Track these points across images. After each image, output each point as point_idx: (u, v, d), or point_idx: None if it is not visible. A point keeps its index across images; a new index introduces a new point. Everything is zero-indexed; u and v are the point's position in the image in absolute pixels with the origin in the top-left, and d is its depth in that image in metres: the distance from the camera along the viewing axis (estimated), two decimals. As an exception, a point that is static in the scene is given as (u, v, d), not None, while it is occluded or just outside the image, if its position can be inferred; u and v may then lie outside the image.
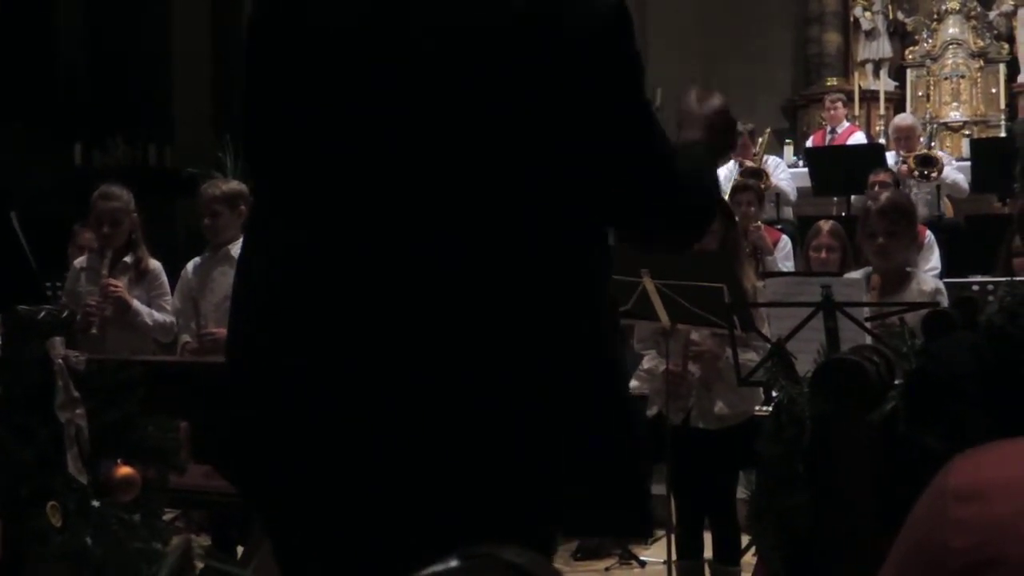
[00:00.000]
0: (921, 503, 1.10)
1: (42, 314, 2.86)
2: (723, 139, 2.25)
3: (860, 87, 12.88)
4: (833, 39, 13.50)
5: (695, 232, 2.12)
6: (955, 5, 13.07)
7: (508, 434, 1.79)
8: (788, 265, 7.90)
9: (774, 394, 3.32)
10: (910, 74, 13.29)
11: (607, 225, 2.01)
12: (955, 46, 13.02)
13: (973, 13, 13.08)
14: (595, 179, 1.87)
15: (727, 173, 9.80)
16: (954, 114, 12.91)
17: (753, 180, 8.61)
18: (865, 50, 13.36)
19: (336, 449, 1.81)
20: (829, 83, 13.09)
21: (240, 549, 4.64)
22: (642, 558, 6.02)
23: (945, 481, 1.08)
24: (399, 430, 1.77)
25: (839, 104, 11.35)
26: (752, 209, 7.77)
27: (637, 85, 1.92)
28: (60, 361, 2.83)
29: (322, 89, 1.89)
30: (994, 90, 12.92)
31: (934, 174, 9.46)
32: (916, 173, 9.41)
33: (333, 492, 1.84)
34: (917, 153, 9.67)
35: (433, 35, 1.83)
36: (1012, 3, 13.00)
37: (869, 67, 13.29)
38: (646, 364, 4.89)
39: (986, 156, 9.83)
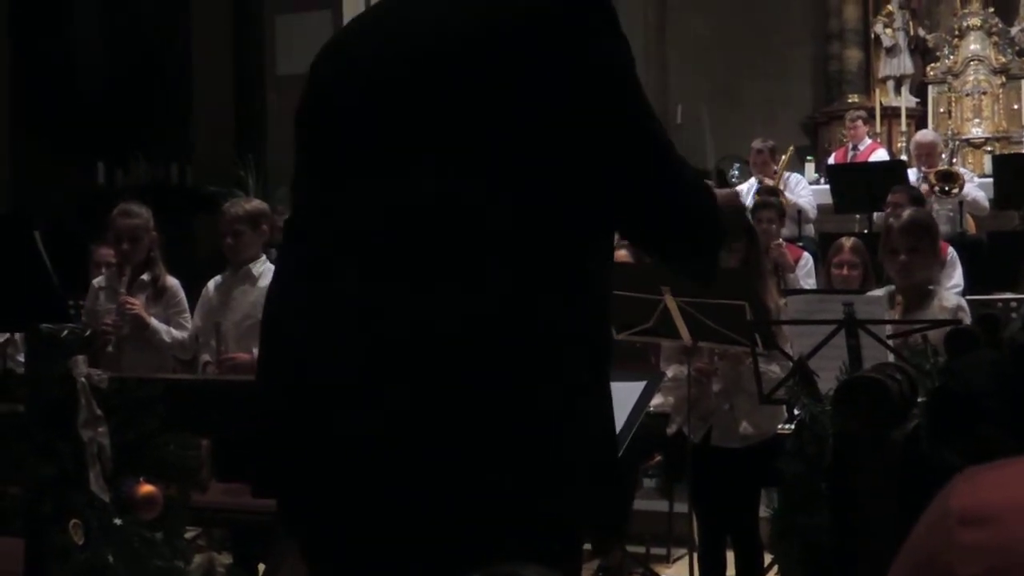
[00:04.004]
0: (921, 525, 1.09)
1: (65, 332, 2.87)
2: (732, 219, 2.27)
3: (881, 104, 12.85)
4: (854, 56, 13.48)
5: (705, 239, 2.09)
6: (976, 21, 13.04)
7: (527, 449, 1.79)
8: (810, 282, 7.88)
9: (796, 412, 3.32)
10: (931, 91, 13.25)
11: (613, 229, 2.02)
12: (976, 62, 12.99)
13: (995, 29, 13.05)
14: (596, 185, 1.88)
15: (747, 188, 9.81)
16: (976, 130, 12.86)
17: (774, 198, 8.61)
18: (886, 67, 13.33)
19: (361, 468, 1.82)
20: (850, 100, 13.06)
21: (262, 567, 4.65)
22: (664, 576, 6.00)
23: (947, 504, 1.07)
24: (424, 448, 1.78)
25: (859, 123, 11.31)
26: (774, 226, 7.76)
27: (628, 84, 1.92)
28: (83, 379, 2.84)
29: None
30: (1016, 106, 12.88)
31: (955, 190, 9.43)
32: (937, 189, 9.38)
33: (360, 509, 1.85)
34: (938, 169, 9.65)
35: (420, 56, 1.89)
36: (1034, 19, 12.98)
37: (890, 84, 13.26)
38: (671, 373, 4.88)
39: (1008, 172, 9.78)
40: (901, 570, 1.09)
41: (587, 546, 5.57)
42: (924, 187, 9.34)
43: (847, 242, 6.22)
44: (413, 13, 1.97)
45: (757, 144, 10.00)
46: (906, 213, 4.96)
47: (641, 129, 1.93)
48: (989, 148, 12.56)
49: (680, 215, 1.99)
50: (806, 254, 8.29)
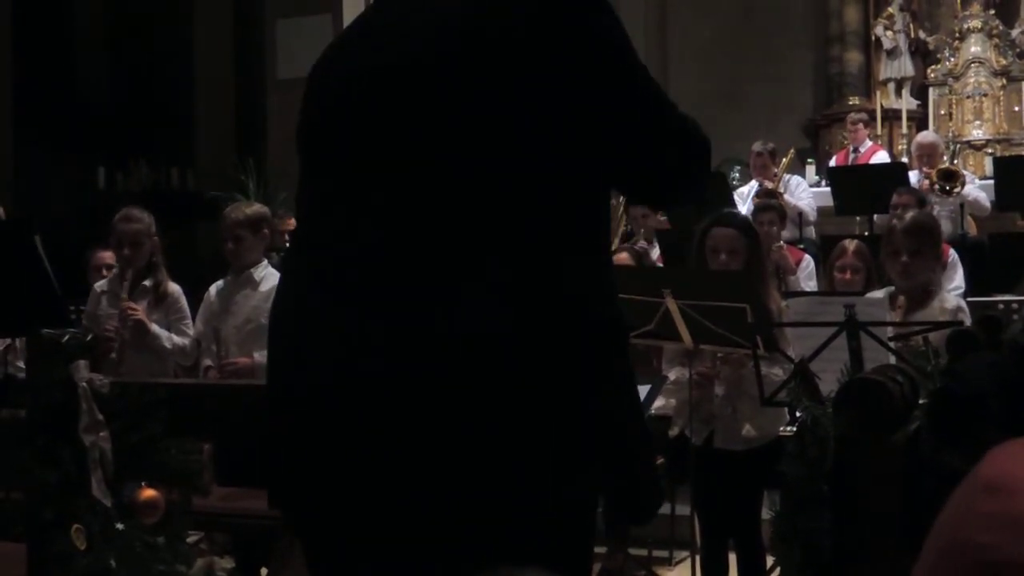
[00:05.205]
0: (954, 497, 1.09)
1: (66, 338, 2.88)
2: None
3: (882, 106, 12.84)
4: (855, 58, 13.48)
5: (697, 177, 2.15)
6: (977, 23, 13.03)
7: (530, 449, 1.79)
8: (811, 285, 7.87)
9: (798, 414, 3.32)
10: (932, 93, 13.24)
11: (618, 186, 2.07)
12: (977, 64, 12.98)
13: (995, 31, 13.05)
14: (603, 157, 1.92)
15: (748, 191, 9.82)
16: (977, 132, 12.86)
17: (775, 200, 8.60)
18: (887, 69, 13.32)
19: (362, 469, 1.82)
20: (851, 102, 13.05)
21: (264, 572, 4.65)
22: (666, 579, 6.00)
23: (977, 472, 1.07)
24: (425, 448, 1.78)
25: (860, 125, 11.31)
26: (775, 229, 7.76)
27: (621, 55, 1.94)
28: (84, 384, 2.85)
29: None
30: (1017, 108, 12.87)
31: (957, 189, 9.42)
32: (937, 187, 9.37)
33: (362, 509, 1.85)
34: (939, 168, 9.64)
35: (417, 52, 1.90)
36: (1034, 21, 12.97)
37: (891, 86, 13.25)
38: (672, 376, 4.88)
39: (1009, 174, 9.77)
40: (934, 543, 1.09)
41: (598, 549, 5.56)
42: (925, 183, 9.35)
43: (850, 245, 6.19)
44: (404, 13, 1.97)
45: (757, 147, 10.01)
46: (908, 215, 4.95)
47: (642, 102, 1.96)
48: (990, 150, 12.55)
49: (678, 160, 2.05)
50: (807, 256, 8.29)
